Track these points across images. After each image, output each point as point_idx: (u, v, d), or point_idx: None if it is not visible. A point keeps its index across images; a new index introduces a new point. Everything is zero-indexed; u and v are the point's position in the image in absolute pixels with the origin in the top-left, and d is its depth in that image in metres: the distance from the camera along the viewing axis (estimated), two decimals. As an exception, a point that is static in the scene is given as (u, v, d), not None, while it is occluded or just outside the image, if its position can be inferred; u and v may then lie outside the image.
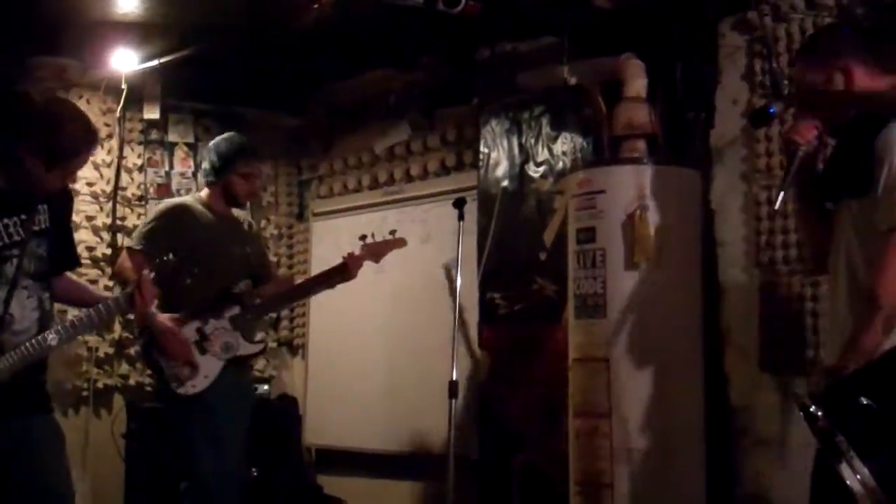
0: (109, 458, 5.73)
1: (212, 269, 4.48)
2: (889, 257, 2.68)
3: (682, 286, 4.09)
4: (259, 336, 4.97)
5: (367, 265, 4.63)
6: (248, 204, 5.24)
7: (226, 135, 4.71)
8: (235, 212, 4.84)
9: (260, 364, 6.46)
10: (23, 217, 3.28)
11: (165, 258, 3.64)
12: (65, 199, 3.55)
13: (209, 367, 4.38)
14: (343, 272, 4.59)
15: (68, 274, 3.64)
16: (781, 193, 2.94)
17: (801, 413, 1.64)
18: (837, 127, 2.97)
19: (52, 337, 3.31)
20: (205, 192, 4.67)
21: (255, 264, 4.69)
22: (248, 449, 4.67)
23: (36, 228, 3.32)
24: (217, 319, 4.42)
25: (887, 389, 1.59)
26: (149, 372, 5.94)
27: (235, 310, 4.46)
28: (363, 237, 4.65)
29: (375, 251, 4.67)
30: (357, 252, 4.62)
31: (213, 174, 4.63)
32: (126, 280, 4.44)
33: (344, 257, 4.59)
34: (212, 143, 4.69)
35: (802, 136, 2.93)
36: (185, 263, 3.92)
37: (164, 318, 4.33)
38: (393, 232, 4.70)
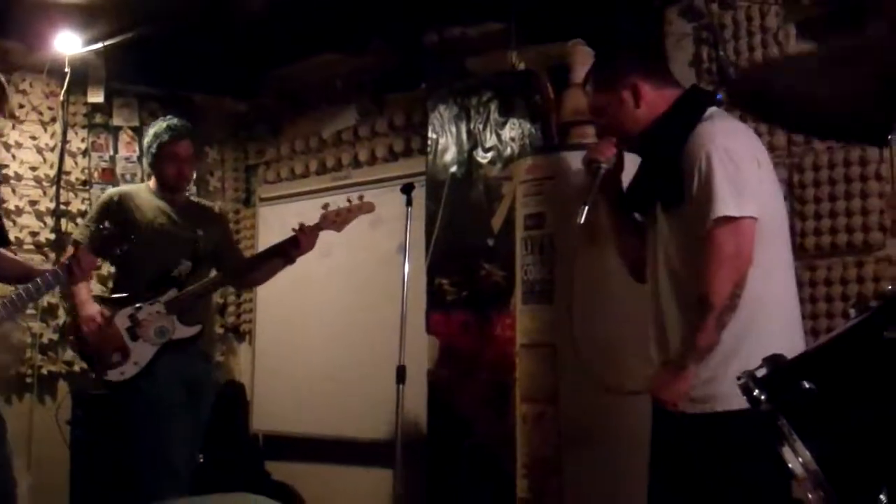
0: (54, 444, 5.66)
1: (150, 254, 4.40)
2: (712, 260, 2.84)
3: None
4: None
5: (317, 249, 4.55)
6: (194, 188, 5.17)
7: (158, 120, 4.70)
8: (195, 196, 4.78)
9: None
10: None
11: (101, 226, 3.58)
12: None
13: (140, 354, 4.32)
14: (294, 245, 4.43)
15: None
16: (586, 208, 3.13)
17: (744, 396, 1.67)
18: (633, 141, 3.14)
19: None
20: (152, 180, 4.68)
21: (207, 248, 4.59)
22: (200, 437, 4.60)
23: None
24: (151, 304, 4.35)
25: (830, 374, 1.62)
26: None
27: (172, 293, 4.39)
28: (325, 206, 4.48)
29: (336, 220, 4.48)
30: (315, 221, 4.45)
31: (146, 160, 4.64)
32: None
33: (294, 229, 4.44)
34: None
35: (602, 153, 3.17)
36: (125, 240, 3.84)
37: (89, 308, 4.28)
38: (361, 197, 4.52)
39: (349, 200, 4.49)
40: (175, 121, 4.62)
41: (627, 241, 3.29)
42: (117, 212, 4.47)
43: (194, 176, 4.93)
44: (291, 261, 4.53)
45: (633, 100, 3.08)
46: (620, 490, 3.94)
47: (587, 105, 3.33)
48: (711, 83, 4.20)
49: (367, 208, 4.53)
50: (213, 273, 4.62)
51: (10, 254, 3.73)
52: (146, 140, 4.62)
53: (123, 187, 5.02)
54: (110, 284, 4.87)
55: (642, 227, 3.20)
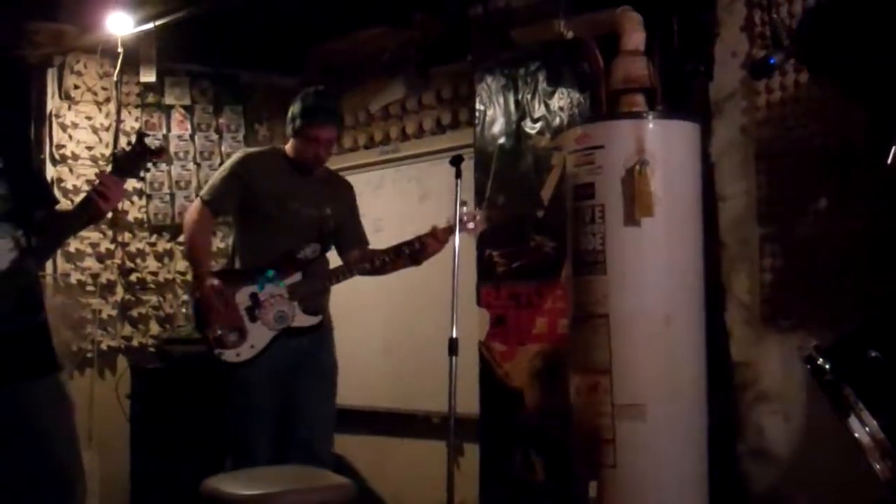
0: (114, 418, 5.81)
1: (276, 229, 4.27)
2: None
3: (682, 241, 4.08)
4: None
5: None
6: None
7: (309, 90, 4.49)
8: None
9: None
10: None
11: (128, 146, 3.28)
12: (10, 133, 3.34)
13: (257, 337, 4.19)
14: (423, 247, 4.32)
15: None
16: (893, 148, 3.02)
17: (808, 366, 1.64)
18: None
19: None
20: (289, 144, 4.49)
21: (334, 228, 4.47)
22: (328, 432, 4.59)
23: None
24: (274, 286, 4.23)
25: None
26: (152, 333, 6.00)
27: (296, 277, 4.27)
28: (463, 203, 4.13)
29: (474, 222, 4.40)
30: (446, 224, 4.27)
31: (287, 130, 4.45)
32: (187, 230, 4.35)
33: (435, 226, 4.34)
34: None
35: None
36: (146, 154, 3.31)
37: (212, 280, 4.17)
38: (464, 202, 4.22)
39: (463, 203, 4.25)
40: (324, 100, 4.41)
41: None
42: (245, 175, 4.31)
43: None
44: (418, 263, 4.42)
45: None
46: (674, 462, 3.94)
47: None
48: (764, 48, 4.12)
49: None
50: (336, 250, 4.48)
51: (65, 207, 3.60)
52: (293, 109, 4.41)
53: (255, 149, 4.79)
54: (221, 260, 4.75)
55: None
